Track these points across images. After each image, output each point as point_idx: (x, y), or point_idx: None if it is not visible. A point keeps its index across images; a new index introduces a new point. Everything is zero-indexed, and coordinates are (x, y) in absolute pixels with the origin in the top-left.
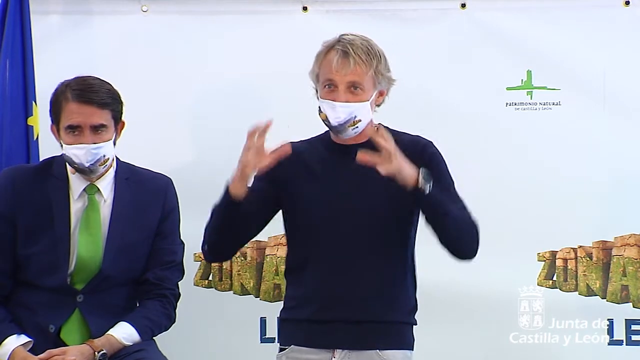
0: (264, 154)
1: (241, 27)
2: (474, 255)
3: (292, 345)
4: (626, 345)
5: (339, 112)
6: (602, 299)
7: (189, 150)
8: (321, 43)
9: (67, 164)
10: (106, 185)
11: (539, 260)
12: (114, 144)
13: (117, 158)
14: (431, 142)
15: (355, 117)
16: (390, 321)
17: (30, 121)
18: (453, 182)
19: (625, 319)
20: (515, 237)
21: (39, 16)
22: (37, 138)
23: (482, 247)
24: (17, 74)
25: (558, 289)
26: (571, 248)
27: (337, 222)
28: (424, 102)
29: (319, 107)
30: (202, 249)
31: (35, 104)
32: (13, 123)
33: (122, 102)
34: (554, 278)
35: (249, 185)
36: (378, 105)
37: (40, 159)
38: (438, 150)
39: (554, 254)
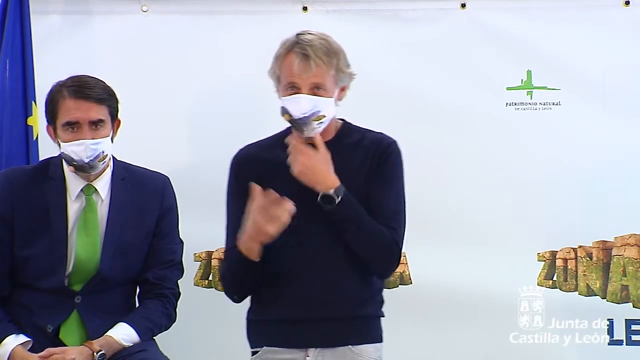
0: (271, 216)
1: (241, 27)
2: (387, 276)
3: (264, 347)
4: (626, 345)
5: (303, 104)
6: (602, 299)
7: (188, 150)
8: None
9: (64, 164)
10: (103, 185)
11: (539, 260)
12: (111, 141)
13: (113, 157)
14: (395, 142)
15: (319, 111)
16: (360, 316)
17: (29, 121)
18: (401, 191)
19: (625, 319)
20: (515, 237)
21: (39, 16)
22: (37, 138)
23: (482, 247)
24: (17, 74)
25: (558, 289)
26: (571, 248)
27: (302, 223)
28: (423, 102)
29: (282, 108)
30: (231, 299)
31: (35, 103)
32: (13, 123)
33: (117, 100)
34: (554, 278)
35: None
36: (340, 100)
37: (40, 159)
38: (399, 152)
39: (554, 254)
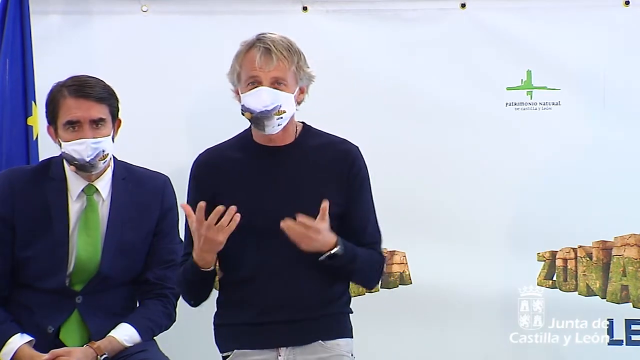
0: (219, 226)
1: (241, 27)
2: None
3: (235, 350)
4: (626, 345)
5: (264, 97)
6: (602, 299)
7: (189, 150)
8: (321, 43)
9: (65, 164)
10: (104, 185)
11: (539, 260)
12: (112, 140)
13: (114, 157)
14: (358, 150)
15: (280, 106)
16: (330, 314)
17: (29, 121)
18: (372, 199)
19: (625, 319)
20: (515, 237)
21: (39, 16)
22: (37, 138)
23: (482, 247)
24: (17, 74)
25: (558, 289)
26: (571, 248)
27: (267, 226)
28: (423, 102)
29: (242, 106)
30: (188, 304)
31: (35, 104)
32: (13, 123)
33: (118, 99)
34: (554, 278)
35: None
36: (299, 103)
37: (40, 159)
38: (364, 162)
39: (554, 254)
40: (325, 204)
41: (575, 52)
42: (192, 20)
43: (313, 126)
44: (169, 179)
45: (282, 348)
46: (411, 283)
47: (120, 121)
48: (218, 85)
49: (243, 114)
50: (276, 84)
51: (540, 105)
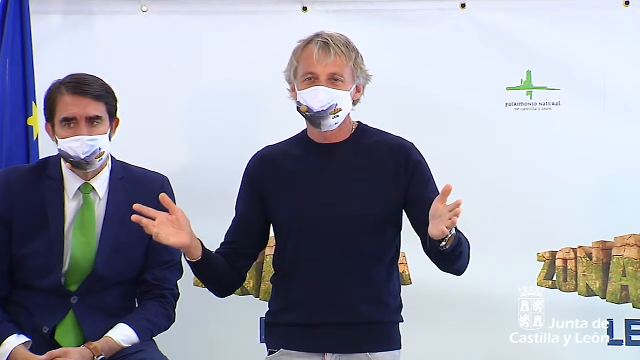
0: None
1: (241, 27)
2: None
3: (281, 349)
4: (626, 345)
5: (321, 96)
6: (602, 299)
7: (188, 150)
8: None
9: (61, 162)
10: (101, 184)
11: (538, 260)
12: (109, 139)
13: (112, 157)
14: (413, 146)
15: (336, 104)
16: (378, 321)
17: (30, 121)
18: (436, 188)
19: (625, 319)
20: (515, 237)
21: (39, 16)
22: (37, 138)
23: (482, 247)
24: (17, 74)
25: (558, 289)
26: (571, 248)
27: (319, 224)
28: (423, 102)
29: (298, 102)
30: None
31: (35, 103)
32: (13, 123)
33: (116, 98)
34: (554, 278)
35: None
36: (354, 104)
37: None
38: (422, 156)
39: (553, 254)
40: (448, 187)
41: (575, 52)
42: (192, 20)
43: (369, 125)
44: (167, 178)
45: (327, 354)
46: (411, 283)
47: (118, 120)
48: (217, 85)
49: (298, 109)
50: (333, 79)
51: (540, 105)
